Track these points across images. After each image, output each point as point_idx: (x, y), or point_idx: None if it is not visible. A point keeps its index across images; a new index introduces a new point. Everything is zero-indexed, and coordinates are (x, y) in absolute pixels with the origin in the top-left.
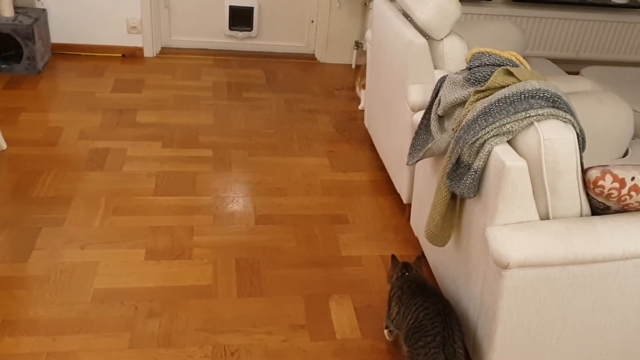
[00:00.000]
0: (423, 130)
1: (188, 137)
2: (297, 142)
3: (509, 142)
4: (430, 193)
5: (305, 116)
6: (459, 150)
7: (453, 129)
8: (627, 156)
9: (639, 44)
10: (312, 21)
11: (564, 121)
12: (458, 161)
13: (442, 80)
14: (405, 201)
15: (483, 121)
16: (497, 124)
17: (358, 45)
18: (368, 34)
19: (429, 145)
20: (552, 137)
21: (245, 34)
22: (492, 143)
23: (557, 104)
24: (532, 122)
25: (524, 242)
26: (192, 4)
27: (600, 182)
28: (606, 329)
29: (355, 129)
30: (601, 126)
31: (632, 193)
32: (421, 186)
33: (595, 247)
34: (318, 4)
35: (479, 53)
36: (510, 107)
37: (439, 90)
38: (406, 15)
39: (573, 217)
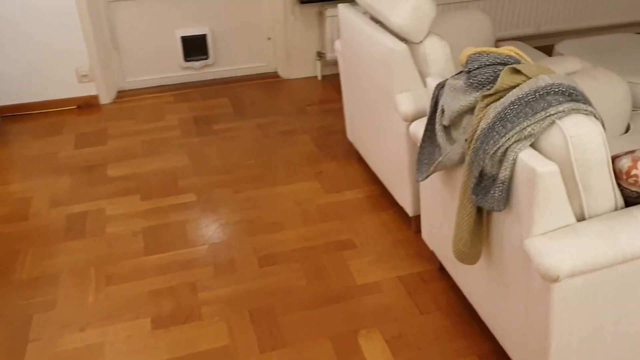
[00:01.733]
0: (428, 142)
1: (166, 183)
2: (282, 168)
3: (532, 145)
4: (442, 205)
5: (283, 139)
6: (481, 162)
7: (466, 140)
8: (630, 131)
9: (594, 9)
10: (269, 38)
11: (586, 114)
12: (481, 174)
13: (440, 87)
14: (410, 214)
15: (501, 127)
16: (517, 128)
17: (321, 55)
18: (337, 44)
19: (440, 158)
20: (578, 133)
21: (202, 62)
22: (516, 150)
23: (574, 97)
24: (554, 121)
25: (569, 250)
26: (142, 42)
27: (634, 172)
28: None
29: (338, 143)
30: (600, 104)
31: None
32: (430, 198)
33: None
34: (272, 19)
35: (475, 54)
36: (527, 109)
37: (437, 98)
38: (376, 21)
39: (609, 212)
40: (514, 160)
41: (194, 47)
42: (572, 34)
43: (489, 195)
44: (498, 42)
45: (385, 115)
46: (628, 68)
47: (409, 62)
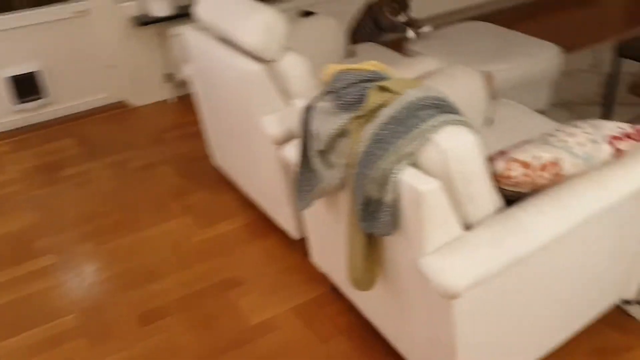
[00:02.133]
0: (305, 168)
1: (18, 248)
2: (146, 208)
3: (412, 163)
4: (328, 227)
5: (142, 175)
6: (363, 188)
7: (345, 164)
8: (494, 122)
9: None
10: (109, 66)
11: (458, 124)
12: (366, 200)
13: (308, 110)
14: (296, 237)
15: (378, 150)
16: (395, 149)
17: (169, 77)
18: (187, 69)
19: (320, 185)
20: (454, 146)
21: (38, 102)
22: (396, 171)
23: (444, 108)
24: (429, 136)
25: (463, 264)
26: None
27: (510, 174)
28: (558, 304)
29: (204, 171)
30: (462, 102)
31: (542, 173)
32: (315, 220)
33: (528, 240)
34: (110, 46)
35: (338, 72)
36: (400, 127)
37: (307, 121)
38: (226, 41)
39: (492, 216)
40: (397, 182)
41: (26, 87)
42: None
43: (377, 221)
44: (350, 45)
45: (254, 139)
46: (483, 57)
47: (267, 82)
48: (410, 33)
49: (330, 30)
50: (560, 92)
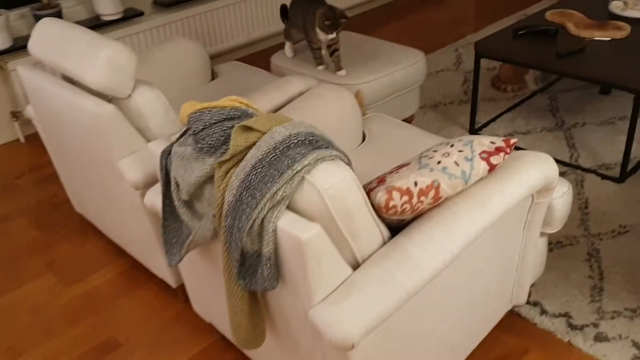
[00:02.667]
0: (171, 219)
1: None
2: (0, 271)
3: (289, 207)
4: (206, 277)
5: None
6: (238, 242)
7: (214, 215)
8: (367, 139)
9: None
10: None
11: (332, 159)
12: (242, 254)
13: (167, 154)
14: (174, 284)
15: (250, 198)
16: (267, 195)
17: (16, 115)
18: (29, 110)
19: (190, 237)
20: (331, 184)
21: None
22: (273, 219)
23: (315, 144)
24: (303, 177)
25: (355, 311)
26: None
27: (391, 203)
28: (456, 326)
29: (67, 218)
30: (332, 123)
31: (422, 198)
32: (191, 270)
33: (419, 272)
34: None
35: (195, 113)
36: (271, 170)
37: (167, 168)
38: (69, 79)
39: (379, 248)
40: (274, 231)
41: None
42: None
43: (257, 275)
44: (212, 59)
45: (114, 185)
46: (349, 70)
47: (122, 122)
48: (342, 72)
49: (192, 53)
50: (427, 93)
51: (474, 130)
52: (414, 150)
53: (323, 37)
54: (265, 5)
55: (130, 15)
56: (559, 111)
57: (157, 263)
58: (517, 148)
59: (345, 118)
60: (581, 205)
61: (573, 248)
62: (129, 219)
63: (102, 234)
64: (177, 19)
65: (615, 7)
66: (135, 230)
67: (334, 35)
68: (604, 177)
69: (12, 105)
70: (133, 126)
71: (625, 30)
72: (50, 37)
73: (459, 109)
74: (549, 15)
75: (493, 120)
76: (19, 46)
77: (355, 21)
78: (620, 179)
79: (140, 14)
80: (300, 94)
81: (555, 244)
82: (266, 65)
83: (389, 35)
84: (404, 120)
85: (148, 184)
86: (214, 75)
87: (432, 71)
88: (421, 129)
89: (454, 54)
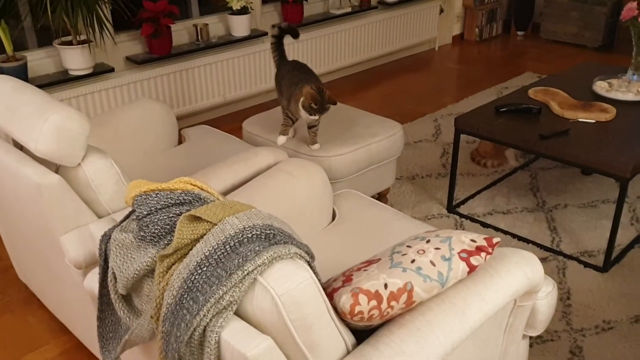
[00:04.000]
0: (108, 312)
1: None
2: None
3: (236, 312)
4: None
5: None
6: (175, 353)
7: (152, 316)
8: (336, 218)
9: (268, 72)
10: None
11: (290, 258)
12: None
13: (106, 239)
14: None
15: (191, 302)
16: (212, 300)
17: None
18: None
19: (126, 336)
20: (287, 289)
21: None
22: (216, 328)
23: (273, 239)
24: (255, 278)
25: None
26: None
27: (357, 309)
28: None
29: (9, 285)
30: (300, 202)
31: (393, 303)
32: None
33: None
34: None
35: (141, 195)
36: (219, 270)
37: (106, 254)
38: (18, 144)
39: (343, 358)
40: (217, 342)
41: None
42: (259, 96)
43: None
44: (184, 119)
45: (54, 260)
46: (323, 141)
47: (67, 194)
48: (316, 146)
49: (159, 115)
50: (404, 163)
51: (452, 207)
52: (387, 235)
53: (304, 115)
54: (242, 66)
55: (100, 71)
56: (539, 191)
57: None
58: (498, 229)
59: (314, 197)
60: (563, 296)
61: (555, 344)
62: (71, 297)
63: (46, 307)
64: (149, 76)
65: (600, 87)
66: (78, 310)
67: (316, 117)
68: (586, 265)
69: None
70: (81, 198)
71: (610, 113)
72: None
73: (437, 182)
74: (532, 92)
75: (472, 196)
76: None
77: (333, 86)
78: (604, 269)
79: (111, 70)
80: (269, 167)
81: (536, 338)
82: (238, 129)
83: (367, 102)
84: (379, 193)
85: (92, 264)
86: (181, 139)
87: (410, 141)
88: (396, 203)
89: (433, 124)
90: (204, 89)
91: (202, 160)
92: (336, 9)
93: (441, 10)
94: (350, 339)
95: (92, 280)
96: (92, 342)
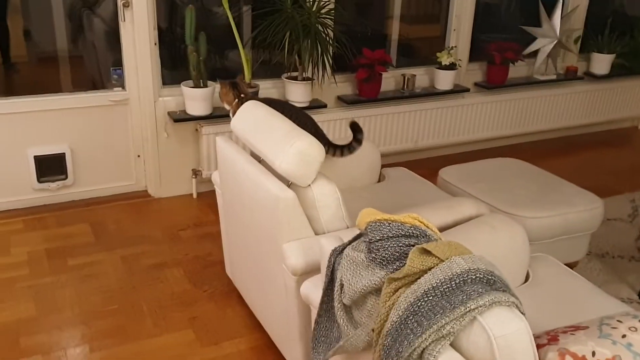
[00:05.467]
0: (325, 317)
1: (5, 344)
2: (150, 315)
3: (451, 344)
4: None
5: (151, 275)
6: None
7: (373, 330)
8: (530, 279)
9: (464, 126)
10: (139, 156)
11: (508, 306)
12: None
13: (337, 253)
14: None
15: (415, 324)
16: (435, 327)
17: (196, 173)
18: (215, 176)
19: (341, 342)
20: (504, 332)
21: (60, 183)
22: (434, 353)
23: (494, 285)
24: (475, 317)
25: None
26: None
27: None
28: None
29: (215, 278)
30: (500, 256)
31: None
32: None
33: None
34: (142, 137)
35: (375, 222)
36: (443, 302)
37: (334, 266)
38: (256, 157)
39: None
40: None
41: (50, 167)
42: (448, 147)
43: None
44: (384, 169)
45: (271, 263)
46: (519, 201)
47: (297, 209)
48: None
49: (366, 153)
50: (595, 240)
51: None
52: (585, 307)
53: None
54: (439, 117)
55: (315, 106)
56: None
57: (290, 349)
58: None
59: (513, 253)
60: None
61: None
62: (276, 299)
63: (245, 303)
64: (356, 116)
65: None
66: (279, 312)
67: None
68: None
69: (195, 164)
70: (304, 214)
71: None
72: (252, 118)
73: (629, 265)
74: None
75: None
76: (215, 115)
77: (523, 148)
78: None
79: (324, 106)
80: (469, 218)
81: None
82: (427, 174)
83: (557, 170)
84: (567, 264)
85: (305, 272)
86: (380, 177)
87: (604, 218)
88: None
89: (630, 205)
90: (399, 133)
91: (402, 200)
92: (540, 74)
93: None
94: None
95: (309, 287)
96: (282, 342)
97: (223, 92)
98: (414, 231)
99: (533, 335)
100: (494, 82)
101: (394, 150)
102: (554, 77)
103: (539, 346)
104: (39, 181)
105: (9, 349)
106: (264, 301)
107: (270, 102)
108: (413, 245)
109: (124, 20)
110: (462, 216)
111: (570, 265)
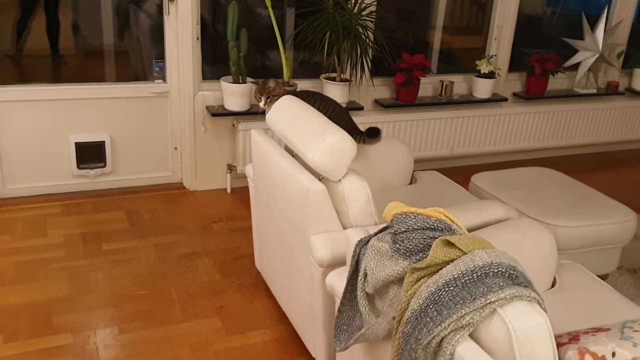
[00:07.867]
0: (348, 306)
1: (38, 321)
2: (178, 301)
3: (470, 334)
4: None
5: (182, 264)
6: (413, 353)
7: (394, 318)
8: (557, 285)
9: (500, 135)
10: (176, 148)
11: (529, 300)
12: None
13: (362, 244)
14: None
15: (435, 313)
16: (454, 317)
17: (231, 168)
18: (249, 169)
19: (362, 330)
20: (523, 326)
21: (98, 170)
22: (453, 342)
23: (515, 280)
24: (495, 309)
25: None
26: (28, 146)
27: None
28: None
29: (244, 270)
30: (526, 260)
31: None
32: (349, 357)
33: None
34: (180, 129)
35: (401, 214)
36: (464, 292)
37: (359, 257)
38: (290, 151)
39: None
40: (452, 355)
41: (90, 154)
42: (483, 156)
43: None
44: (415, 172)
45: (298, 255)
46: (551, 209)
47: (326, 202)
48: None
49: (400, 155)
50: (627, 254)
51: None
52: (610, 315)
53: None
54: (475, 125)
55: (351, 108)
56: None
57: (313, 340)
58: None
59: (540, 258)
60: None
61: None
62: (302, 291)
63: (272, 296)
64: (391, 120)
65: None
66: (304, 303)
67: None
68: None
69: (231, 159)
70: (333, 208)
71: None
72: (287, 112)
73: None
74: None
75: None
76: (252, 112)
77: (560, 162)
78: None
79: (361, 108)
80: (498, 221)
81: None
82: (460, 182)
83: (595, 185)
84: (597, 276)
85: (332, 265)
86: (412, 180)
87: (638, 233)
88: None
89: None
90: (434, 139)
91: (432, 202)
92: (581, 87)
93: None
94: None
95: (334, 278)
96: (306, 334)
97: (256, 90)
98: (439, 225)
99: (556, 335)
100: (533, 93)
101: (429, 157)
102: (595, 91)
103: (559, 345)
104: (79, 167)
105: (42, 325)
106: (290, 292)
107: (307, 94)
108: (437, 238)
109: (168, 14)
110: (490, 218)
111: (601, 278)
